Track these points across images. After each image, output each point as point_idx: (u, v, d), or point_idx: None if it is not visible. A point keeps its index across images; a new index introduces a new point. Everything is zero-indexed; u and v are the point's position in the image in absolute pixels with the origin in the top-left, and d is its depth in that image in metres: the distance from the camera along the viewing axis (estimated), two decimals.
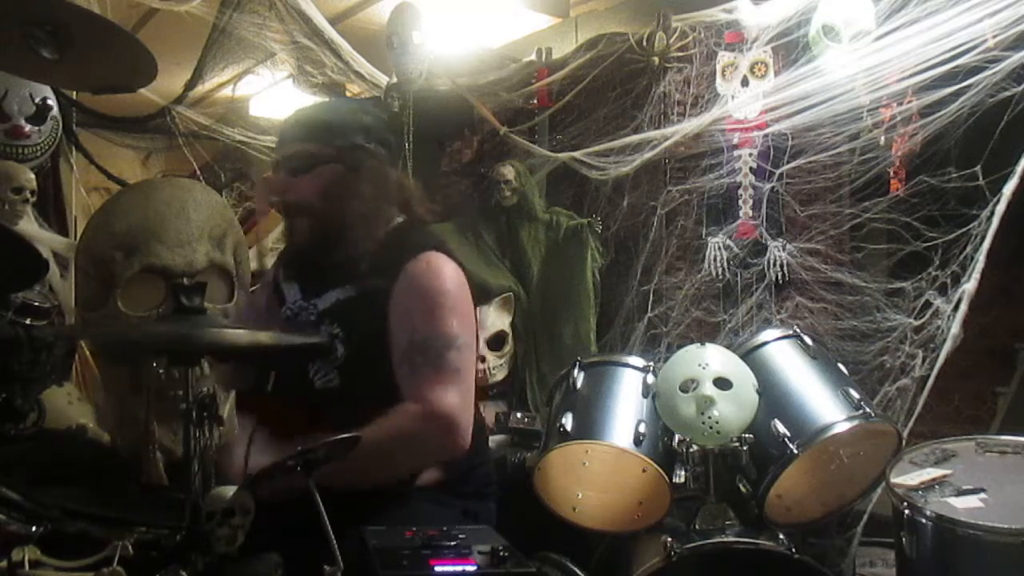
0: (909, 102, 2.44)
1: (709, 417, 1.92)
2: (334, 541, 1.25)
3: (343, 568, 1.23)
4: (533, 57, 3.61)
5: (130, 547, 1.23)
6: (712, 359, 2.01)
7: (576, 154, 3.28)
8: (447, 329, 1.71)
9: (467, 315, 1.77)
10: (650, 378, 2.13)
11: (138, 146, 4.40)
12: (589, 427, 2.07)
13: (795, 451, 1.90)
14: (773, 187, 2.88)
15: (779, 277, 2.86)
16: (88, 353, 3.05)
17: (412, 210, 1.92)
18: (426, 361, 1.68)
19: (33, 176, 3.09)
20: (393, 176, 1.91)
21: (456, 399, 1.68)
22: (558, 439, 2.05)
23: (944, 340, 2.21)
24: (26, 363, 1.92)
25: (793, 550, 1.84)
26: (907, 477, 1.76)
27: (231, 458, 1.54)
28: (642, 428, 2.01)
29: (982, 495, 1.66)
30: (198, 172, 4.27)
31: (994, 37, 2.16)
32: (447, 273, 1.77)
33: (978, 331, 2.34)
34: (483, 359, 3.26)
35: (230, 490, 1.28)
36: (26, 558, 1.18)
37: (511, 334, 3.45)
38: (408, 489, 1.74)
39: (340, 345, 1.73)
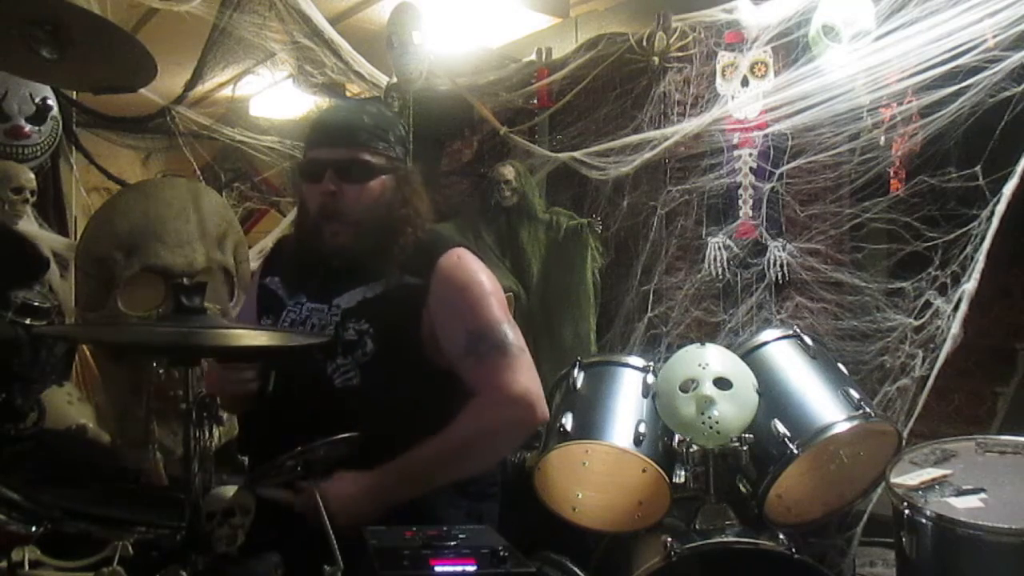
0: (909, 102, 2.44)
1: (709, 417, 1.92)
2: (334, 541, 1.25)
3: (343, 568, 1.23)
4: (533, 57, 3.62)
5: (130, 547, 1.24)
6: (712, 359, 2.01)
7: (576, 154, 3.28)
8: (498, 315, 1.77)
9: (504, 300, 1.84)
10: (650, 378, 2.13)
11: (138, 146, 4.39)
12: (589, 427, 2.07)
13: (795, 451, 1.90)
14: (773, 187, 2.88)
15: (779, 277, 2.86)
16: (88, 353, 3.05)
17: (425, 213, 1.93)
18: (491, 348, 1.73)
19: (33, 176, 3.09)
20: (422, 185, 1.93)
21: (529, 377, 1.75)
22: (558, 439, 2.05)
23: (944, 340, 2.21)
24: (26, 363, 1.92)
25: (793, 550, 1.84)
26: (907, 477, 1.76)
27: None
28: (642, 428, 2.01)
29: (982, 495, 1.66)
30: (198, 172, 4.27)
31: (994, 37, 2.16)
32: (477, 265, 1.83)
33: (978, 331, 2.34)
34: None
35: (230, 490, 1.28)
36: (26, 558, 1.19)
37: None
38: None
39: (369, 341, 1.74)
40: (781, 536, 1.91)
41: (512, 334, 1.77)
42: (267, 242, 4.01)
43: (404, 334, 1.75)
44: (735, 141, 2.95)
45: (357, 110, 1.88)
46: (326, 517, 1.27)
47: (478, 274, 1.80)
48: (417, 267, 1.78)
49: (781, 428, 1.93)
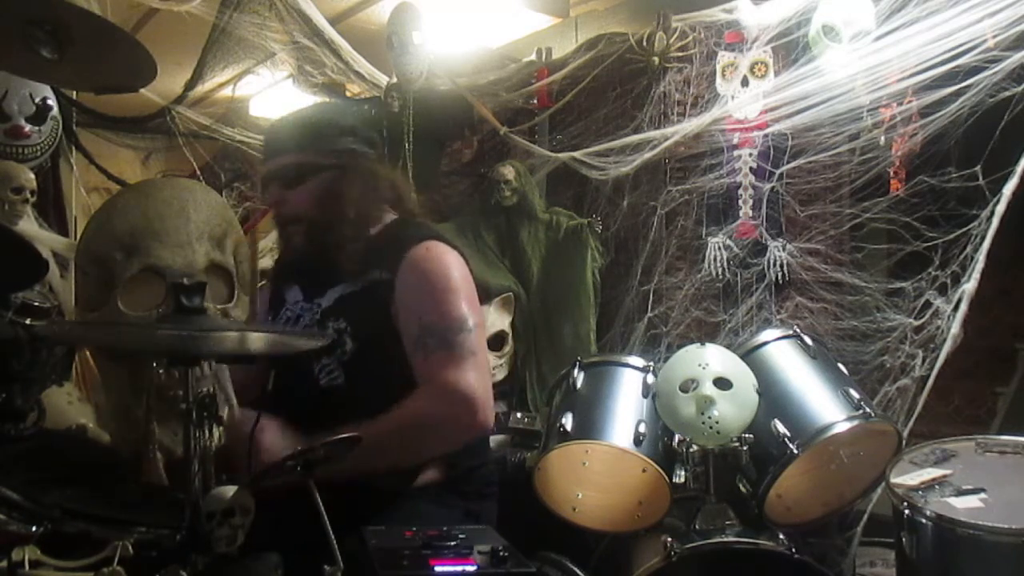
0: (909, 102, 2.44)
1: (709, 417, 1.92)
2: (334, 541, 1.25)
3: (343, 568, 1.23)
4: (533, 57, 3.61)
5: (130, 547, 1.23)
6: (712, 359, 2.01)
7: (576, 154, 3.28)
8: (457, 311, 1.73)
9: (473, 298, 1.80)
10: (650, 378, 2.13)
11: (138, 146, 4.39)
12: (589, 427, 2.06)
13: (795, 451, 1.90)
14: (773, 187, 2.88)
15: (779, 277, 2.86)
16: (88, 353, 3.05)
17: (405, 205, 1.93)
18: (440, 343, 1.70)
19: (33, 176, 3.09)
20: (383, 173, 1.92)
21: (473, 378, 1.70)
22: (558, 439, 2.05)
23: (944, 340, 2.21)
24: (26, 363, 1.92)
25: (793, 550, 1.84)
26: (907, 477, 1.76)
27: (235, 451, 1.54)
28: (642, 428, 2.01)
29: (982, 495, 1.66)
30: (198, 172, 4.27)
31: (994, 37, 2.16)
32: (449, 259, 1.80)
33: (978, 331, 2.34)
34: None
35: (230, 490, 1.28)
36: (26, 558, 1.18)
37: (511, 334, 3.45)
38: (410, 488, 1.74)
39: (348, 339, 1.74)
40: (781, 536, 1.91)
41: (469, 331, 1.72)
42: (267, 242, 4.01)
43: (379, 330, 1.75)
44: (735, 141, 2.95)
45: (296, 117, 1.91)
46: (325, 517, 1.27)
47: (446, 267, 1.77)
48: (387, 261, 1.77)
49: (781, 428, 1.93)
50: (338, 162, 1.83)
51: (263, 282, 2.67)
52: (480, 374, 1.72)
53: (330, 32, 3.60)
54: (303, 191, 1.81)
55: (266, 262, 3.87)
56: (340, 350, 1.74)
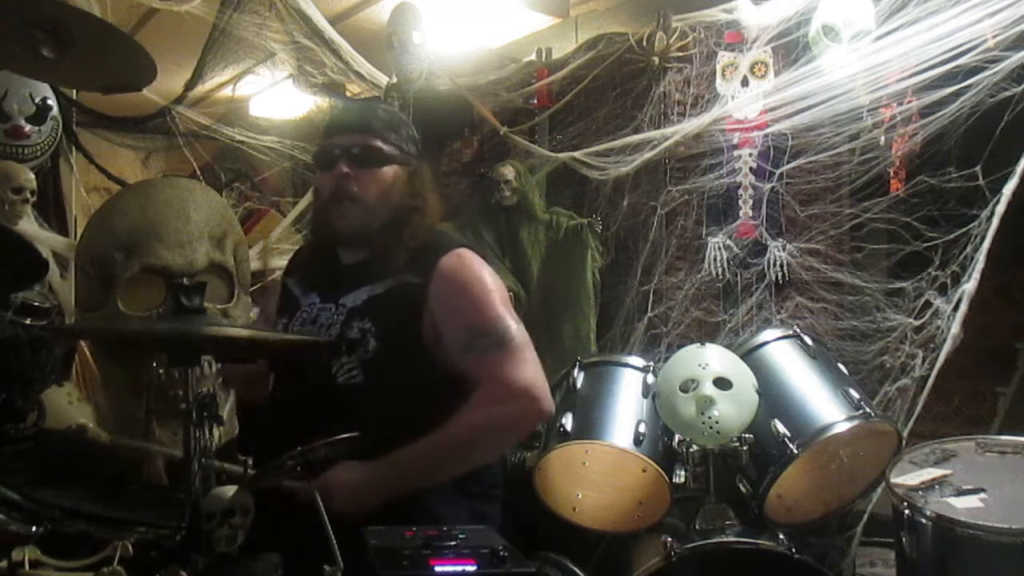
0: (909, 102, 2.44)
1: (709, 417, 1.92)
2: (334, 541, 1.25)
3: (343, 568, 1.23)
4: (533, 57, 3.62)
5: (130, 547, 1.23)
6: (712, 359, 2.01)
7: (576, 154, 3.28)
8: (500, 312, 1.78)
9: (507, 299, 1.85)
10: (650, 378, 2.13)
11: (138, 146, 4.39)
12: (589, 427, 2.07)
13: (795, 451, 1.90)
14: (773, 187, 2.88)
15: (779, 277, 2.86)
16: (88, 353, 3.05)
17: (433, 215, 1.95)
18: (492, 343, 1.74)
19: (33, 176, 3.09)
20: (433, 184, 1.96)
21: (532, 370, 1.75)
22: (558, 439, 2.05)
23: (944, 340, 2.21)
24: (26, 363, 1.92)
25: (793, 550, 1.84)
26: (907, 477, 1.76)
27: None
28: (642, 428, 2.01)
29: (982, 495, 1.66)
30: (198, 172, 4.27)
31: (994, 37, 2.16)
32: (480, 264, 1.84)
33: (978, 331, 2.34)
34: None
35: (230, 490, 1.28)
36: (26, 558, 1.18)
37: None
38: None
39: (372, 339, 1.76)
40: (781, 536, 1.91)
41: (515, 328, 1.77)
42: (267, 243, 4.01)
43: (406, 333, 1.77)
44: (735, 141, 2.95)
45: (372, 105, 2.00)
46: (326, 517, 1.27)
47: (479, 272, 1.82)
48: (419, 267, 1.80)
49: (781, 428, 1.93)
50: (407, 162, 1.88)
51: (262, 283, 2.67)
52: (535, 363, 1.78)
53: (330, 32, 3.60)
54: (374, 174, 1.83)
55: (276, 261, 3.87)
56: (363, 349, 1.76)
